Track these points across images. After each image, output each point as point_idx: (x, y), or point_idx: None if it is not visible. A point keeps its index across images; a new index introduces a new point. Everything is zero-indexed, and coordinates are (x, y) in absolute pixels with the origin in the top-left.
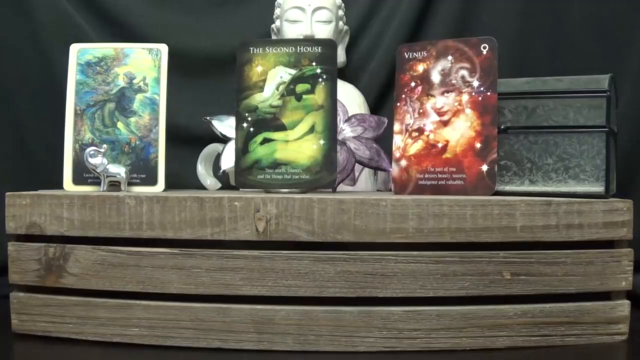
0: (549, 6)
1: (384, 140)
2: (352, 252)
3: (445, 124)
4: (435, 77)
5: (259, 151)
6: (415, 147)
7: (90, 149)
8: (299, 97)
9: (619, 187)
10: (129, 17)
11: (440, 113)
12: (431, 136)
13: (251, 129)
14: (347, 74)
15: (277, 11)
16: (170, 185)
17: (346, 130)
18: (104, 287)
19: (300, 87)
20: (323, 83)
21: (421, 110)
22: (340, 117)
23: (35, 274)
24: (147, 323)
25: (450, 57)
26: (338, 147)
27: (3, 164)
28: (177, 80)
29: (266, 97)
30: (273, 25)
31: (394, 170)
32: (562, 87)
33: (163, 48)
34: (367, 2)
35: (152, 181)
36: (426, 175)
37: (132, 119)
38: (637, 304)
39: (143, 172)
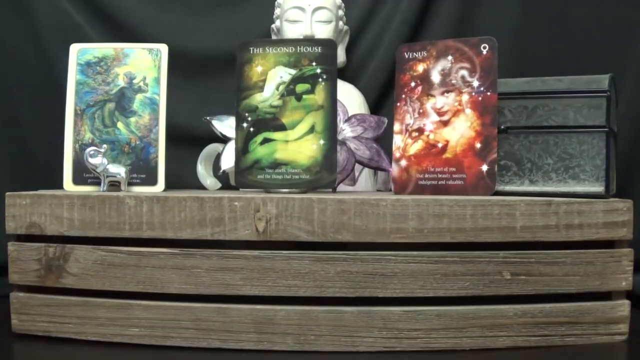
0: (549, 6)
1: (384, 140)
2: (352, 252)
3: (445, 124)
4: (435, 77)
5: (259, 151)
6: (415, 147)
7: (90, 149)
8: (299, 97)
9: (619, 187)
10: (129, 17)
11: (440, 113)
12: (431, 136)
13: (251, 129)
14: (347, 74)
15: (277, 11)
16: (170, 185)
17: (346, 130)
18: (104, 287)
19: (300, 87)
20: (323, 83)
21: (421, 110)
22: (340, 117)
23: (35, 274)
24: (147, 323)
25: (450, 57)
26: (338, 147)
27: (3, 164)
28: (177, 80)
29: (266, 97)
30: (273, 25)
31: (394, 170)
32: (562, 87)
33: (163, 48)
34: (367, 2)
35: (152, 181)
36: (426, 175)
37: (132, 119)
38: (637, 304)
39: (143, 172)
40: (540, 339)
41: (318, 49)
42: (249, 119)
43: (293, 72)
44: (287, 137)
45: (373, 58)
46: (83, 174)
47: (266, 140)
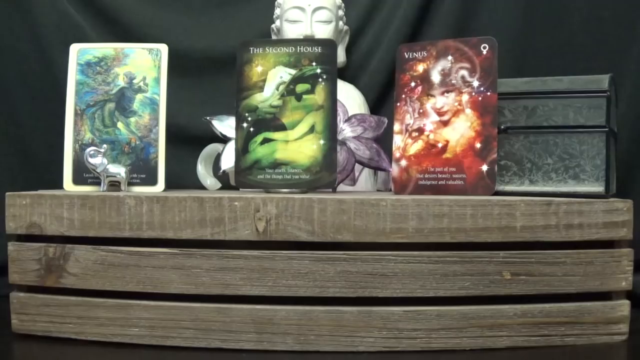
0: (549, 6)
1: (384, 140)
2: (352, 252)
3: (445, 124)
4: (435, 77)
5: (259, 151)
6: (415, 147)
7: (90, 149)
8: (299, 97)
9: (619, 187)
10: (129, 17)
11: (440, 113)
12: (431, 136)
13: (251, 129)
14: (347, 74)
15: (277, 11)
16: (170, 185)
17: (346, 130)
18: (104, 287)
19: (300, 87)
20: (323, 83)
21: (421, 110)
22: (340, 117)
23: (35, 274)
24: (147, 323)
25: (450, 57)
26: (338, 147)
27: (3, 164)
28: (177, 80)
29: (266, 97)
30: (273, 25)
31: (394, 170)
32: (562, 87)
33: (163, 48)
34: (367, 2)
35: (152, 181)
36: (426, 175)
37: (132, 119)
38: (637, 304)
39: (143, 172)
40: (540, 339)
41: (318, 49)
42: (249, 119)
43: (293, 72)
44: (287, 137)
45: (373, 58)
46: (83, 174)
47: (266, 140)
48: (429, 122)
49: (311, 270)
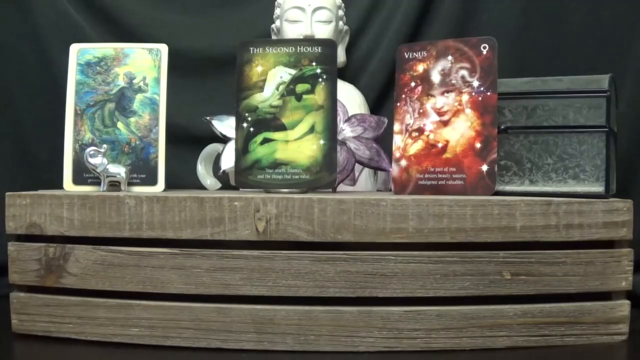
0: (549, 6)
1: (384, 140)
2: (352, 252)
3: (445, 124)
4: (435, 77)
5: (259, 151)
6: (415, 147)
7: (90, 149)
8: (299, 97)
9: (619, 187)
10: (129, 17)
11: (440, 113)
12: (431, 136)
13: (251, 129)
14: (347, 74)
15: (277, 11)
16: (170, 185)
17: (346, 130)
18: (104, 287)
19: (300, 87)
20: (323, 83)
21: (421, 110)
22: (340, 117)
23: (35, 274)
24: (147, 323)
25: (450, 57)
26: (338, 147)
27: (3, 164)
28: (177, 80)
29: (266, 97)
30: (273, 25)
31: (394, 170)
32: (562, 87)
33: (163, 48)
34: (367, 2)
35: (152, 181)
36: (426, 175)
37: (132, 119)
38: (637, 304)
39: (143, 172)
40: (540, 339)
41: (318, 49)
42: (249, 119)
43: (293, 72)
44: (287, 137)
45: (373, 58)
46: (83, 174)
47: (266, 140)
48: (429, 122)
49: (311, 270)
